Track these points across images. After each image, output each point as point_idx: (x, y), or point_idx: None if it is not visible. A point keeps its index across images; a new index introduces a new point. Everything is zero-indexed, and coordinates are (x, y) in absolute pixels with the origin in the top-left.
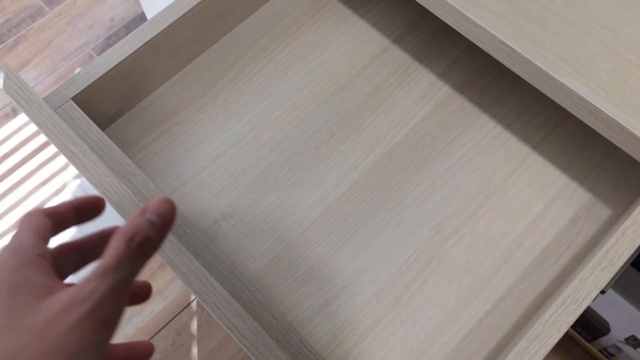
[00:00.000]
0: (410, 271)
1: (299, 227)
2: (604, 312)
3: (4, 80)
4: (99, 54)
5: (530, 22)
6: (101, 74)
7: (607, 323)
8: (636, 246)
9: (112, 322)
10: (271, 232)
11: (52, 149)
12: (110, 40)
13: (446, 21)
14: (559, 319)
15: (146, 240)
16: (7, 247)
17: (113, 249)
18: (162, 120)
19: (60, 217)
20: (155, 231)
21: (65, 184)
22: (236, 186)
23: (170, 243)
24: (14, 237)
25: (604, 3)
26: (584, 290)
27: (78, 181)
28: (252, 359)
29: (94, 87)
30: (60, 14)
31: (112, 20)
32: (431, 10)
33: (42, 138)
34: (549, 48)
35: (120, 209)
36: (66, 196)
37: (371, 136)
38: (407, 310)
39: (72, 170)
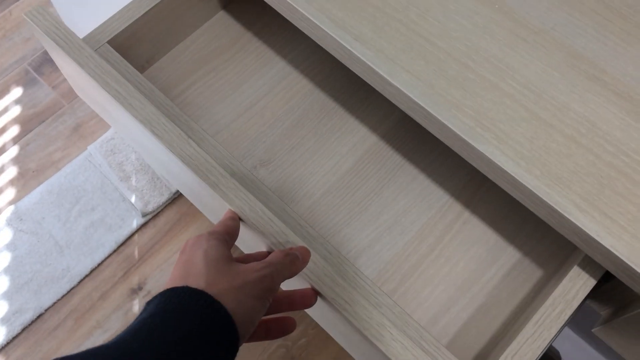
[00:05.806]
0: (451, 212)
1: (338, 172)
2: (556, 342)
3: (41, 22)
4: (36, 69)
5: (448, 81)
6: (136, 17)
7: (558, 352)
8: None
9: (269, 290)
10: (310, 177)
11: None
12: (48, 55)
13: (362, 77)
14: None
15: (293, 260)
16: (208, 232)
17: (275, 255)
18: (194, 68)
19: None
20: (299, 260)
21: None
22: (272, 133)
23: (223, 178)
24: (216, 226)
25: (527, 60)
26: None
27: (12, 207)
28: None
29: (129, 30)
30: None
31: None
32: (347, 66)
33: None
34: (466, 112)
35: (170, 146)
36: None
37: None
38: (450, 249)
39: (6, 197)
